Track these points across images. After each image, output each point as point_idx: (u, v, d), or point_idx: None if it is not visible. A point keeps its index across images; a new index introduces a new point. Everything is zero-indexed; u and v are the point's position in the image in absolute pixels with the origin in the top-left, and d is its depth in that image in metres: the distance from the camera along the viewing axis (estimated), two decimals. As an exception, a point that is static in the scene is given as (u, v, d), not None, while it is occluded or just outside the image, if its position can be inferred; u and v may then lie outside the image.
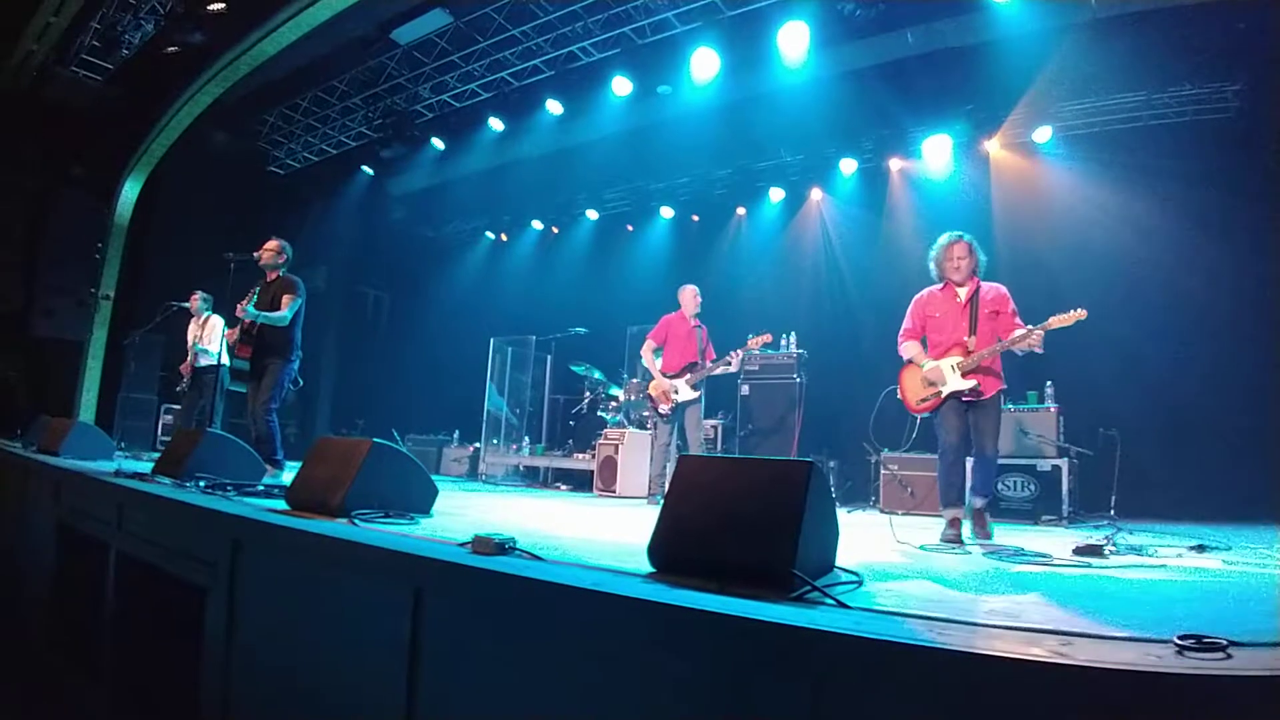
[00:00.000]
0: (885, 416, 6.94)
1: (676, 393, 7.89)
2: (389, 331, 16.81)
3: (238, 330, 6.88)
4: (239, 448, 5.51)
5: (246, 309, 6.63)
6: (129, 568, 4.28)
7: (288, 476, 5.44)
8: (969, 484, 5.03)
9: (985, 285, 5.16)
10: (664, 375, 8.01)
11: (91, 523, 4.84)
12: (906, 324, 5.33)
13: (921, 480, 8.03)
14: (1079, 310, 4.82)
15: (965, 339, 4.99)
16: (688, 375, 7.91)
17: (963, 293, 5.13)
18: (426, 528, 3.67)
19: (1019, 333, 4.83)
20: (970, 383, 4.90)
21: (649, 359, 8.16)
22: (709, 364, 7.95)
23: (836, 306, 11.29)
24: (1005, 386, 5.09)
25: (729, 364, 7.94)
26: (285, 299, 6.79)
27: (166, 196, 12.51)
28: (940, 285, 5.25)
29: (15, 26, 9.93)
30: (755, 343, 8.10)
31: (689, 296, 8.17)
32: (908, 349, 5.29)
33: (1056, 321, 4.82)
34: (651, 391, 8.10)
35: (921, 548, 4.49)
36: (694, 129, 11.11)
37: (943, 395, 4.99)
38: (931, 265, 5.25)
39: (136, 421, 11.87)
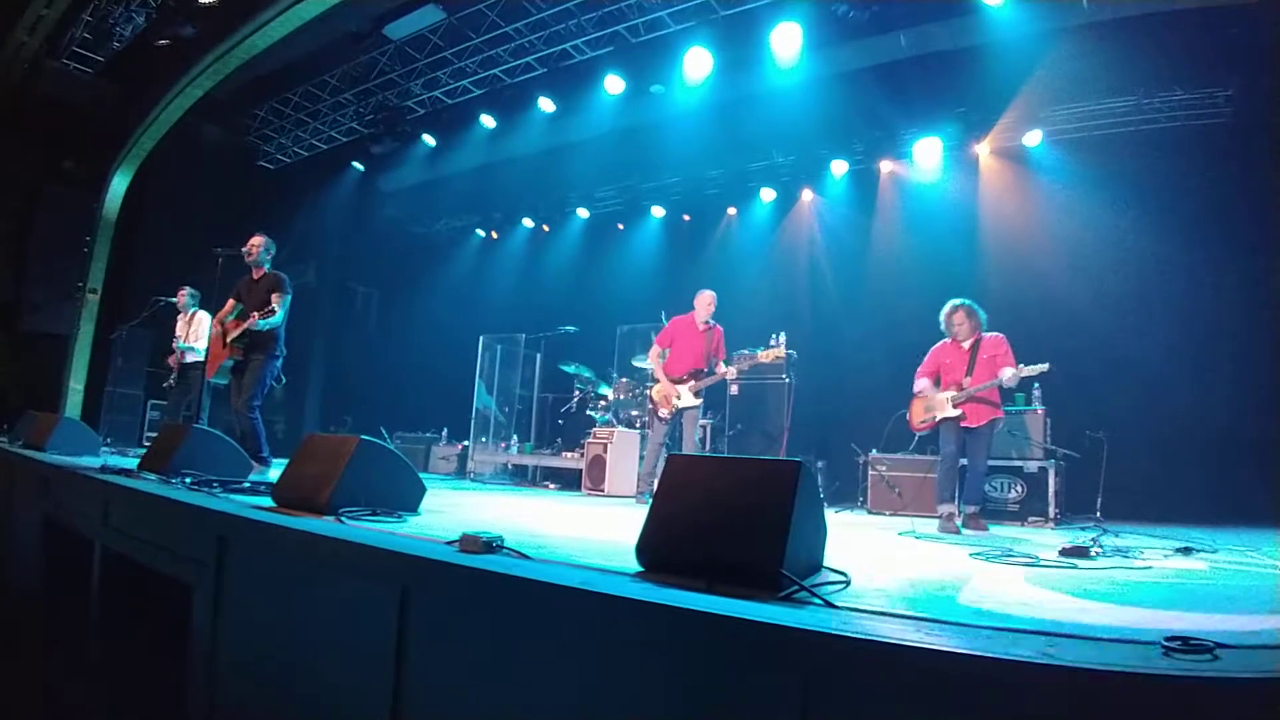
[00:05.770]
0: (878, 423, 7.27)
1: (679, 398, 7.81)
2: (378, 328, 16.76)
3: (240, 330, 6.73)
4: (226, 444, 5.47)
5: (259, 323, 6.51)
6: (115, 564, 4.25)
7: (275, 473, 5.43)
8: (960, 492, 6.32)
9: (987, 336, 6.44)
10: (668, 378, 7.92)
11: (77, 519, 4.81)
12: (923, 366, 6.68)
13: (909, 481, 8.06)
14: (1045, 364, 6.16)
15: (963, 379, 6.31)
16: (691, 382, 7.83)
17: (966, 344, 6.46)
18: (414, 526, 3.65)
19: (1008, 373, 6.08)
20: (957, 412, 6.26)
21: (655, 362, 8.06)
22: (714, 373, 7.87)
23: (826, 307, 11.31)
24: (1000, 416, 6.40)
25: (726, 374, 7.89)
26: (275, 297, 6.71)
27: (156, 190, 12.44)
28: (950, 339, 6.56)
29: (7, 18, 9.86)
30: (767, 356, 7.97)
31: (704, 303, 7.98)
32: (919, 384, 6.65)
33: (1026, 370, 6.12)
34: (654, 395, 8.04)
35: (919, 535, 5.47)
36: (686, 129, 11.11)
37: (936, 419, 6.40)
38: (942, 326, 6.56)
39: (123, 417, 11.80)
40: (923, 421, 6.56)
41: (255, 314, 6.57)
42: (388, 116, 12.11)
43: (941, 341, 6.65)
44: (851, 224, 11.62)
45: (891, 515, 7.82)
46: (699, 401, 7.88)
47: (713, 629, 1.80)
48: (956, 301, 6.54)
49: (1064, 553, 4.02)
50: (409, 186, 15.15)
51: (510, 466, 11.96)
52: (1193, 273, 8.51)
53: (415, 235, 16.69)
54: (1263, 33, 7.58)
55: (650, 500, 2.73)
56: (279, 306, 6.68)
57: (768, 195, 12.62)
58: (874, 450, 8.41)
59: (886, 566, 3.40)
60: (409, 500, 4.28)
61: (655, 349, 8.13)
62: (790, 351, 9.85)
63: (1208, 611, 2.52)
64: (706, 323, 8.02)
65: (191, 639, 3.36)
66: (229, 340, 6.75)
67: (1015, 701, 1.46)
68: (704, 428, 9.94)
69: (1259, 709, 1.38)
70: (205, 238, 7.84)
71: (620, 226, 14.33)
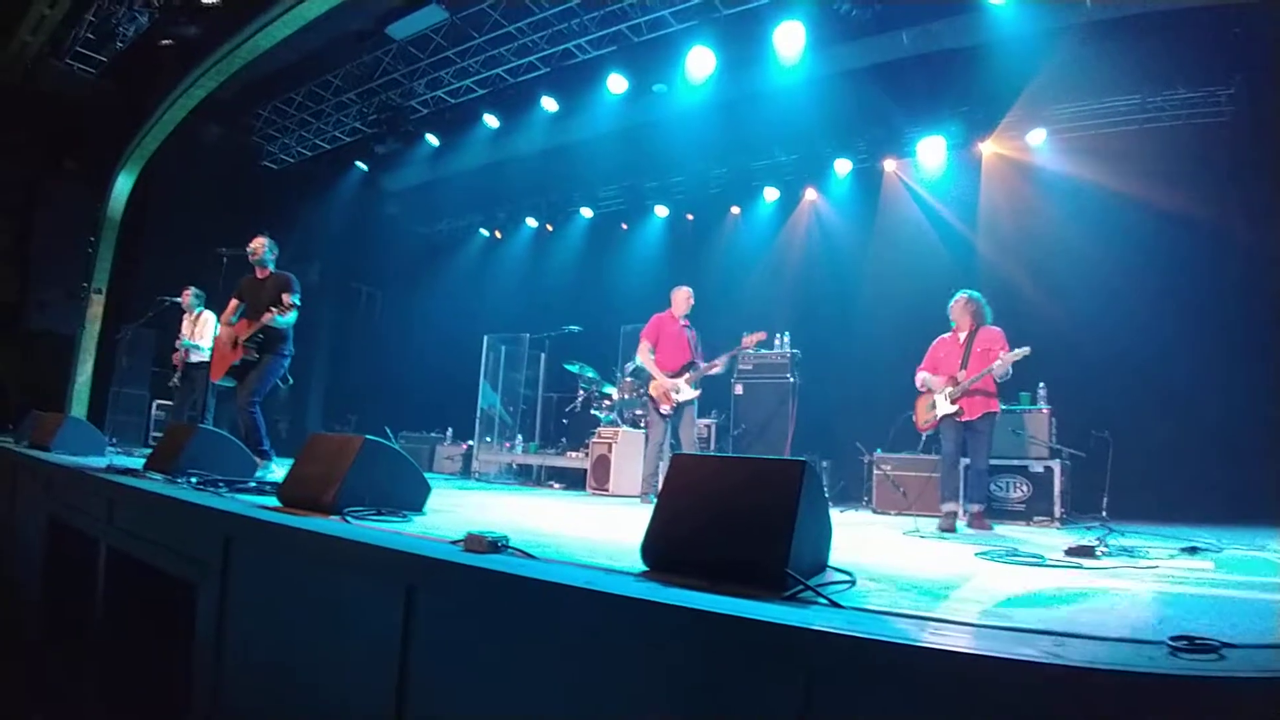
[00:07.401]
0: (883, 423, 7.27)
1: (678, 392, 7.79)
2: (382, 328, 16.78)
3: (253, 329, 6.63)
4: (231, 444, 5.47)
5: (276, 318, 6.43)
6: (120, 564, 4.26)
7: (278, 471, 5.43)
8: (964, 492, 6.32)
9: (985, 329, 6.40)
10: (664, 373, 7.89)
11: (82, 518, 4.82)
12: (923, 363, 6.64)
13: (913, 480, 8.05)
14: (1025, 348, 6.06)
15: (957, 373, 6.30)
16: (686, 375, 7.85)
17: (963, 336, 6.45)
18: (419, 525, 3.65)
19: (997, 363, 6.05)
20: (955, 408, 6.26)
21: (647, 359, 7.99)
22: (704, 365, 7.93)
23: (830, 306, 11.29)
24: (996, 409, 6.33)
25: (716, 366, 7.98)
26: (286, 297, 6.61)
27: (160, 190, 12.46)
28: (950, 332, 6.57)
29: (10, 18, 9.88)
30: (750, 341, 8.06)
31: (682, 298, 8.09)
32: (920, 377, 6.59)
33: (1010, 357, 6.05)
34: (653, 392, 7.95)
35: (924, 535, 5.48)
36: (689, 128, 11.12)
37: (938, 417, 6.39)
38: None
39: (128, 417, 11.81)
40: (927, 421, 6.57)
41: (272, 309, 6.50)
42: (391, 116, 12.12)
43: (940, 336, 6.69)
44: (855, 223, 11.62)
45: (896, 515, 7.81)
46: (697, 394, 7.93)
47: (717, 628, 1.80)
48: (957, 292, 6.61)
49: (1070, 552, 4.01)
50: (412, 186, 15.18)
51: (515, 466, 11.97)
52: (1198, 271, 8.49)
53: (419, 235, 16.72)
54: (1265, 31, 7.57)
55: (655, 500, 2.72)
56: (292, 306, 6.60)
57: (771, 194, 12.62)
58: (879, 450, 8.41)
59: (891, 566, 3.39)
60: (414, 500, 4.28)
61: (644, 345, 8.08)
62: (795, 351, 9.87)
63: (1214, 611, 2.51)
64: (685, 319, 8.10)
65: (196, 638, 3.37)
66: (241, 340, 6.65)
67: (1021, 701, 1.46)
68: (708, 427, 9.94)
69: (1265, 708, 1.38)
70: (209, 237, 7.84)
71: (624, 226, 14.34)
